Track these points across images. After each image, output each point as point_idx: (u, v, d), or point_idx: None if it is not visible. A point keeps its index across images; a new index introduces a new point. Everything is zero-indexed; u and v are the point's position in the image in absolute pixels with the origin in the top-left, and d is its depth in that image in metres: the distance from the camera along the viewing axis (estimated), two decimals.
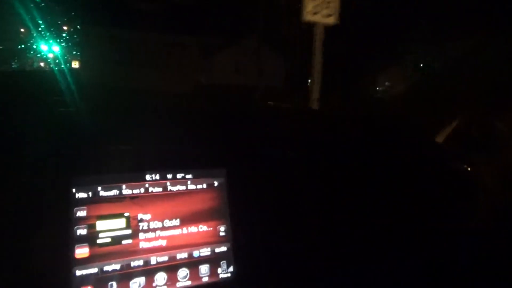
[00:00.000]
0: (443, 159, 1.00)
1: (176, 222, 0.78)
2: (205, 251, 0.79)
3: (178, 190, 0.80)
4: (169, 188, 0.79)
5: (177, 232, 0.78)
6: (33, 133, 0.73)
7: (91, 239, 0.71)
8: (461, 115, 0.94)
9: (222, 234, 0.81)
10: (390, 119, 1.09)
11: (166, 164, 0.80)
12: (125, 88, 0.70)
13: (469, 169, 0.95)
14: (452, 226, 0.93)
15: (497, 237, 0.92)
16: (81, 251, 0.69)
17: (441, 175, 0.97)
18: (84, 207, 0.71)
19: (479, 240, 0.92)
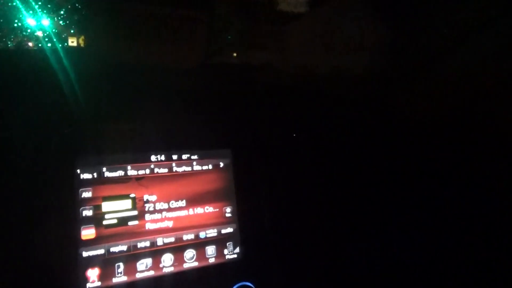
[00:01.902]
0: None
1: (182, 203, 0.77)
2: (212, 232, 0.79)
3: (184, 171, 0.79)
4: (175, 169, 0.78)
5: (183, 213, 0.77)
6: (35, 114, 0.71)
7: (97, 220, 0.70)
8: None
9: (228, 215, 0.81)
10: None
11: (171, 145, 0.79)
12: (130, 65, 0.68)
13: None
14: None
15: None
16: (87, 232, 0.69)
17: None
18: (90, 188, 0.70)
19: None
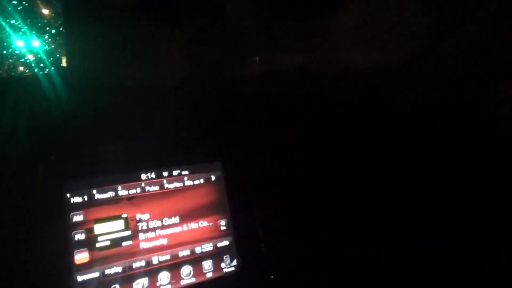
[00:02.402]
0: None
1: (176, 219, 0.77)
2: (207, 247, 0.78)
3: (175, 187, 0.79)
4: (166, 185, 0.78)
5: (177, 229, 0.77)
6: (21, 140, 0.71)
7: (90, 243, 0.69)
8: None
9: (223, 228, 0.80)
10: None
11: (161, 162, 0.79)
12: (113, 86, 0.68)
13: None
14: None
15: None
16: (81, 256, 0.68)
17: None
18: (81, 212, 0.70)
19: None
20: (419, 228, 0.90)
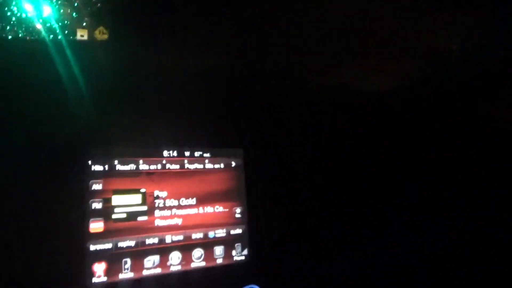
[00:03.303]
0: None
1: (192, 201, 0.76)
2: (220, 232, 0.77)
3: (196, 168, 0.77)
4: (187, 165, 0.77)
5: (193, 211, 0.75)
6: (51, 106, 0.69)
7: (106, 213, 0.68)
8: None
9: (237, 216, 0.79)
10: None
11: (184, 141, 0.78)
12: (147, 63, 0.67)
13: None
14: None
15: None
16: (96, 226, 0.67)
17: None
18: (100, 180, 0.69)
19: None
20: (434, 230, 0.90)
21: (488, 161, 0.89)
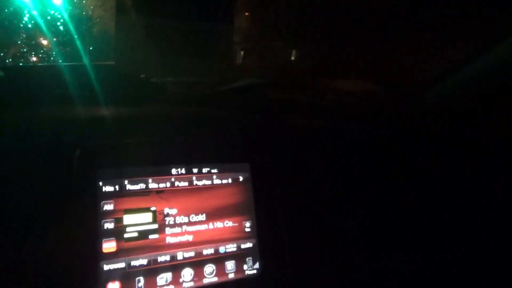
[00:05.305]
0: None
1: (202, 217, 0.77)
2: (231, 247, 0.78)
3: (204, 184, 0.79)
4: (195, 182, 0.78)
5: (203, 227, 0.76)
6: (57, 128, 0.72)
7: (118, 233, 0.69)
8: None
9: (247, 230, 0.80)
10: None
11: (192, 158, 0.79)
12: (152, 80, 0.68)
13: None
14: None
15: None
16: (109, 245, 0.68)
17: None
18: (111, 201, 0.70)
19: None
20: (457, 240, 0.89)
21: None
